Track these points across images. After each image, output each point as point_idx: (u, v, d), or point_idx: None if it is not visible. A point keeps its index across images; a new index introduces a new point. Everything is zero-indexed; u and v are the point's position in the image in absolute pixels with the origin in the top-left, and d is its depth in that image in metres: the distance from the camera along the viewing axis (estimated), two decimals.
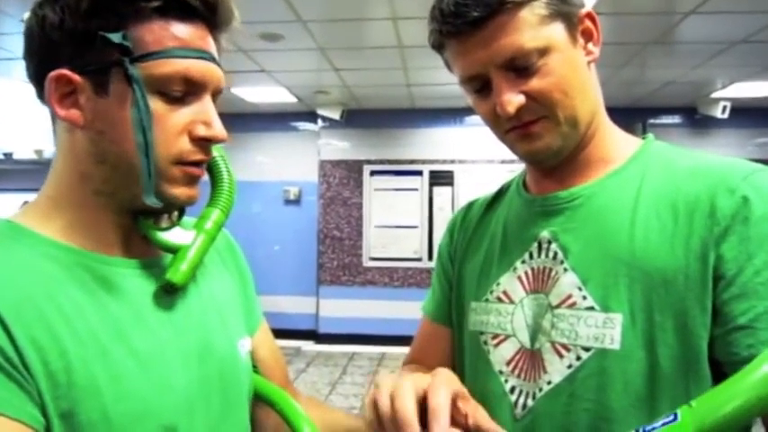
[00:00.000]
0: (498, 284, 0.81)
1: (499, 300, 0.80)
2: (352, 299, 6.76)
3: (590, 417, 0.68)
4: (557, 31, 0.70)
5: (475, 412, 0.65)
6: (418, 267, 6.68)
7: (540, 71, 0.70)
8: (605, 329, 0.68)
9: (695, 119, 6.23)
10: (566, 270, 0.73)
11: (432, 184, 6.65)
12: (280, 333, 6.69)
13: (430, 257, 6.62)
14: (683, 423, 0.49)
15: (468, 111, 6.53)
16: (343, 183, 6.83)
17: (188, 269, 0.71)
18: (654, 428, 0.50)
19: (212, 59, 0.70)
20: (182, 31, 0.66)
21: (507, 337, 0.78)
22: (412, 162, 6.67)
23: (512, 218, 0.85)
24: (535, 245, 0.78)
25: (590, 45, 0.74)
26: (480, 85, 0.74)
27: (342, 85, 5.65)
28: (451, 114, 6.59)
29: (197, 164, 0.69)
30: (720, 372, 0.64)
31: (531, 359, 0.74)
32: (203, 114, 0.69)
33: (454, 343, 0.90)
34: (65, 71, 0.63)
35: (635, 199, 0.71)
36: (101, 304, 0.64)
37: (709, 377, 0.65)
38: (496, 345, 0.79)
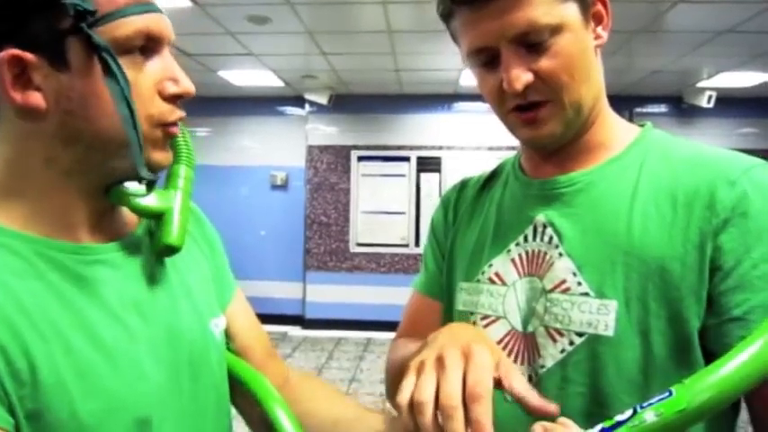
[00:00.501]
0: (491, 266, 0.80)
1: (491, 281, 0.80)
2: (338, 284, 6.77)
3: (583, 401, 0.69)
4: (571, 11, 0.69)
5: (510, 374, 0.57)
6: (405, 253, 6.69)
7: (550, 50, 0.69)
8: (599, 315, 0.68)
9: (681, 108, 6.27)
10: (561, 255, 0.73)
11: (419, 171, 6.65)
12: (266, 318, 6.66)
13: (417, 243, 6.63)
14: (677, 398, 0.50)
15: (457, 97, 6.53)
16: (330, 168, 6.81)
17: (181, 228, 0.69)
18: (650, 404, 0.51)
19: (161, 11, 0.65)
20: None
21: (498, 318, 0.78)
22: (399, 148, 6.65)
23: (507, 200, 0.84)
24: (530, 228, 0.77)
25: (599, 29, 0.73)
26: (487, 59, 0.72)
27: (330, 69, 5.60)
28: (440, 100, 6.58)
29: (176, 123, 0.67)
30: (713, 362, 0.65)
31: (525, 342, 0.74)
32: (169, 71, 0.64)
33: (444, 320, 0.89)
34: (13, 50, 0.56)
35: (633, 187, 0.71)
36: (64, 297, 0.60)
37: (701, 366, 0.65)
38: (486, 326, 0.79)
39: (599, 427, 0.52)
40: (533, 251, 0.76)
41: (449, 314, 0.88)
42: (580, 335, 0.69)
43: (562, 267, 0.72)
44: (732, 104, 6.19)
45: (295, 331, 6.70)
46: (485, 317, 0.79)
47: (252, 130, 7.05)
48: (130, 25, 0.59)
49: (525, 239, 0.77)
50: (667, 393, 0.52)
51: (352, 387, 4.86)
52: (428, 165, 6.63)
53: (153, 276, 0.69)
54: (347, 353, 5.89)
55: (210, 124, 7.13)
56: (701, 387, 0.51)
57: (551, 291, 0.72)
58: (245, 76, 5.95)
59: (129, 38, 0.60)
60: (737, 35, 4.22)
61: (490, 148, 6.37)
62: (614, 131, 0.78)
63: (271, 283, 6.96)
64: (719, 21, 3.97)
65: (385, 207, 6.69)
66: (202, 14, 4.01)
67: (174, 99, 0.65)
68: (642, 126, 0.79)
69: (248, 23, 4.23)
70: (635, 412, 0.52)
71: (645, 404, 0.52)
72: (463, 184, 0.96)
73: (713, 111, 5.98)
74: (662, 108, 6.37)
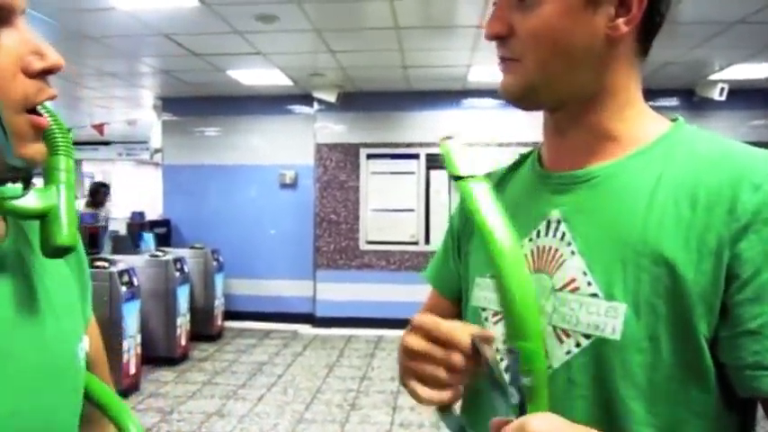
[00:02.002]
0: None
1: None
2: (348, 282, 6.78)
3: (588, 405, 0.67)
4: None
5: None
6: (415, 251, 6.68)
7: (533, 11, 0.69)
8: (607, 318, 0.66)
9: (693, 101, 6.21)
10: (573, 253, 0.71)
11: (428, 168, 6.63)
12: (277, 317, 6.72)
13: (427, 241, 6.62)
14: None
15: (465, 93, 6.50)
16: (339, 166, 6.81)
17: (70, 225, 0.61)
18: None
19: None
20: None
21: None
22: (409, 145, 6.64)
23: (523, 193, 0.82)
24: (544, 223, 0.75)
25: (620, 20, 0.69)
26: None
27: (337, 67, 5.60)
28: (448, 96, 6.56)
29: (39, 113, 0.59)
30: (724, 372, 0.63)
31: None
32: (29, 44, 0.56)
33: (458, 316, 0.88)
34: None
35: (654, 184, 0.68)
36: None
37: (712, 376, 0.63)
38: (496, 322, 0.77)
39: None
40: (545, 247, 0.74)
41: (465, 310, 0.87)
42: (587, 337, 0.67)
43: (573, 266, 0.70)
44: (744, 96, 6.13)
45: (305, 329, 6.71)
46: (495, 313, 0.78)
47: (260, 128, 7.06)
48: None
49: (538, 235, 0.75)
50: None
51: (363, 385, 4.86)
52: (437, 161, 6.61)
53: (19, 297, 0.62)
54: (358, 350, 5.90)
55: (219, 123, 7.15)
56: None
57: (561, 289, 0.70)
58: (254, 75, 5.96)
59: None
60: (749, 26, 4.17)
61: (500, 144, 6.34)
62: (641, 124, 0.74)
63: (281, 281, 6.98)
64: (730, 12, 3.93)
65: (394, 204, 6.69)
66: (210, 14, 4.02)
67: (41, 75, 0.57)
68: (674, 121, 0.75)
69: (256, 22, 4.24)
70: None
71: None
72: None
73: (725, 103, 5.91)
74: (674, 101, 6.31)
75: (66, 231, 0.60)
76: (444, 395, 0.65)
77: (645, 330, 0.64)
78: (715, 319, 0.62)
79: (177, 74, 5.98)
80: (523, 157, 0.89)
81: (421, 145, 6.61)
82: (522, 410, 0.58)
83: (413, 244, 6.67)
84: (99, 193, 7.33)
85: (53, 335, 0.66)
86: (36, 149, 0.59)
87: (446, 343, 0.64)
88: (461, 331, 0.64)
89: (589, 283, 0.68)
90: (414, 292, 7.03)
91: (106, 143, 11.55)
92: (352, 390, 4.74)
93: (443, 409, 0.67)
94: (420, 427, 4.00)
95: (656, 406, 0.64)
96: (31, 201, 0.59)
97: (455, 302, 0.92)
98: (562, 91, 0.73)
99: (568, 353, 0.69)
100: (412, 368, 0.67)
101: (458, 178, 0.62)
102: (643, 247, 0.65)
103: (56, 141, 0.63)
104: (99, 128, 7.59)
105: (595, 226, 0.70)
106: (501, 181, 0.89)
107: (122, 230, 6.46)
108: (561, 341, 0.69)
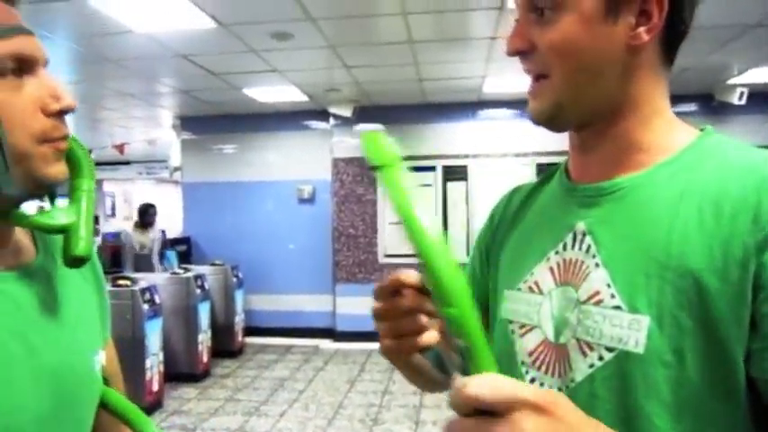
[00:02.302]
0: (532, 274, 0.78)
1: (530, 290, 0.78)
2: (368, 296, 6.66)
3: (611, 418, 0.65)
4: None
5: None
6: None
7: (552, 25, 0.68)
8: (630, 331, 0.64)
9: (712, 106, 6.14)
10: (597, 265, 0.70)
11: (445, 180, 6.63)
12: (297, 332, 6.71)
13: None
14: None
15: (481, 104, 6.50)
16: (356, 180, 6.83)
17: (87, 239, 0.71)
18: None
19: (30, 32, 0.67)
20: None
21: (533, 327, 0.76)
22: (425, 158, 6.65)
23: (550, 206, 0.82)
24: (570, 236, 0.74)
25: (641, 29, 0.68)
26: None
27: (353, 81, 5.64)
28: (464, 108, 6.56)
29: (62, 138, 0.69)
30: (754, 387, 0.60)
31: (557, 354, 0.72)
32: (49, 88, 0.67)
33: (494, 334, 0.87)
34: None
35: (680, 194, 0.66)
36: None
37: (741, 391, 0.60)
38: (522, 335, 0.77)
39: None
40: (570, 259, 0.73)
41: (493, 324, 0.86)
42: (610, 350, 0.66)
43: (597, 278, 0.69)
44: (765, 100, 6.05)
45: (326, 344, 6.70)
46: (522, 326, 0.77)
47: (277, 144, 7.12)
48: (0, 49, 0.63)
49: (564, 248, 0.75)
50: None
51: (384, 399, 4.83)
52: (454, 173, 6.61)
53: (46, 309, 0.72)
54: (378, 365, 5.87)
55: (237, 141, 7.23)
56: None
57: (585, 302, 0.69)
58: (270, 93, 6.03)
59: None
60: (765, 29, 4.12)
61: (516, 155, 6.32)
62: (669, 134, 0.73)
63: (300, 296, 7.00)
64: (746, 15, 3.89)
65: None
66: (226, 34, 4.08)
67: (57, 115, 0.68)
68: (702, 130, 0.74)
69: (271, 40, 4.29)
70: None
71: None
72: (513, 192, 0.94)
73: (745, 107, 5.84)
74: (693, 107, 6.24)
75: (83, 244, 0.70)
76: (405, 342, 0.71)
77: (669, 344, 0.62)
78: (745, 332, 0.60)
79: (195, 93, 6.07)
80: (552, 172, 0.88)
81: (438, 157, 6.61)
82: (465, 372, 0.57)
83: None
84: (147, 214, 6.75)
85: (70, 341, 0.74)
86: (58, 170, 0.69)
87: (395, 291, 0.70)
88: (405, 275, 0.70)
89: (612, 296, 0.67)
90: None
91: (126, 163, 11.74)
92: (374, 404, 4.72)
93: (423, 351, 0.72)
94: None
95: (680, 423, 0.62)
96: (56, 217, 0.70)
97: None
98: (588, 105, 0.72)
99: (591, 366, 0.67)
100: (381, 330, 0.73)
101: (375, 168, 0.64)
102: (667, 258, 0.64)
103: (80, 165, 0.74)
104: (120, 148, 7.72)
105: (620, 238, 0.69)
106: (530, 194, 0.88)
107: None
108: (585, 354, 0.68)
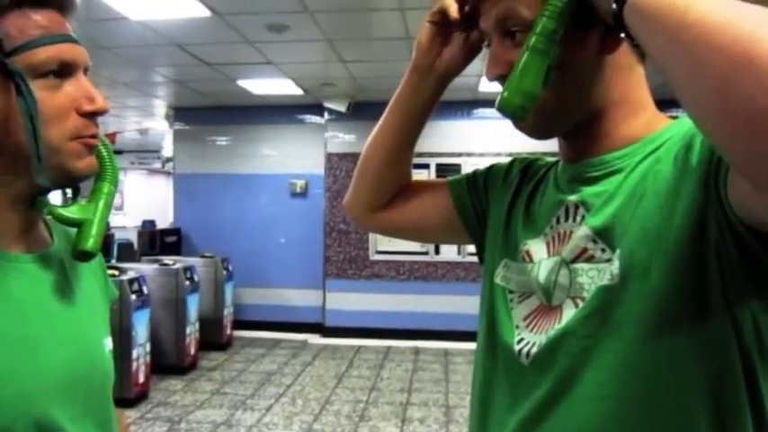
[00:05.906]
0: (525, 244, 0.83)
1: (523, 259, 0.82)
2: (358, 292, 6.76)
3: (603, 354, 0.67)
4: None
5: None
6: (424, 261, 6.66)
7: (523, 44, 0.70)
8: (607, 265, 0.68)
9: None
10: (582, 225, 0.73)
11: (439, 177, 6.61)
12: (286, 326, 6.70)
13: (437, 251, 6.60)
14: None
15: (476, 103, 6.50)
16: (349, 175, 6.74)
17: (96, 236, 0.77)
18: None
19: (76, 41, 0.76)
20: (41, 19, 0.72)
21: (530, 294, 0.79)
22: (419, 155, 6.56)
23: (549, 184, 0.86)
24: (562, 209, 0.78)
25: (611, 35, 0.71)
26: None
27: (349, 76, 5.62)
28: (459, 106, 6.55)
29: (92, 136, 0.76)
30: (729, 300, 0.62)
31: (551, 316, 0.74)
32: (84, 91, 0.74)
33: (483, 291, 0.91)
34: None
35: (656, 159, 0.71)
36: None
37: (715, 302, 0.62)
38: (520, 301, 0.80)
39: None
40: (562, 232, 0.77)
41: (489, 285, 0.88)
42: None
43: (581, 236, 0.72)
44: None
45: (315, 339, 6.69)
46: (521, 294, 0.81)
47: (271, 138, 7.09)
48: (44, 53, 0.71)
49: (558, 221, 0.78)
50: None
51: (372, 396, 4.83)
52: (448, 171, 6.59)
53: (63, 290, 0.80)
54: (367, 361, 5.87)
55: (230, 133, 7.19)
56: None
57: (574, 261, 0.72)
58: (265, 85, 5.99)
59: (43, 62, 0.71)
60: None
61: (510, 154, 6.30)
62: (654, 124, 0.77)
63: (290, 290, 6.98)
64: None
65: None
66: (222, 23, 4.05)
67: (89, 116, 0.75)
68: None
69: (267, 32, 4.26)
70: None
71: None
72: (534, 161, 0.97)
73: None
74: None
75: (92, 241, 0.77)
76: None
77: (639, 267, 0.66)
78: (714, 193, 0.61)
79: (189, 83, 6.02)
80: (551, 163, 0.93)
81: (431, 155, 6.60)
82: None
83: (423, 254, 6.64)
84: None
85: (84, 323, 0.82)
86: (87, 162, 0.76)
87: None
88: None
89: (603, 250, 0.70)
90: (423, 303, 7.04)
91: (118, 152, 11.64)
92: (362, 401, 4.71)
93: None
94: None
95: (659, 343, 0.64)
96: (73, 211, 0.78)
97: (456, 210, 1.00)
98: (574, 113, 0.76)
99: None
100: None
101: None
102: (634, 191, 0.69)
103: (106, 169, 0.82)
104: (111, 137, 7.67)
105: (609, 202, 0.73)
106: (531, 167, 0.94)
107: (133, 239, 6.49)
108: (577, 306, 0.71)
